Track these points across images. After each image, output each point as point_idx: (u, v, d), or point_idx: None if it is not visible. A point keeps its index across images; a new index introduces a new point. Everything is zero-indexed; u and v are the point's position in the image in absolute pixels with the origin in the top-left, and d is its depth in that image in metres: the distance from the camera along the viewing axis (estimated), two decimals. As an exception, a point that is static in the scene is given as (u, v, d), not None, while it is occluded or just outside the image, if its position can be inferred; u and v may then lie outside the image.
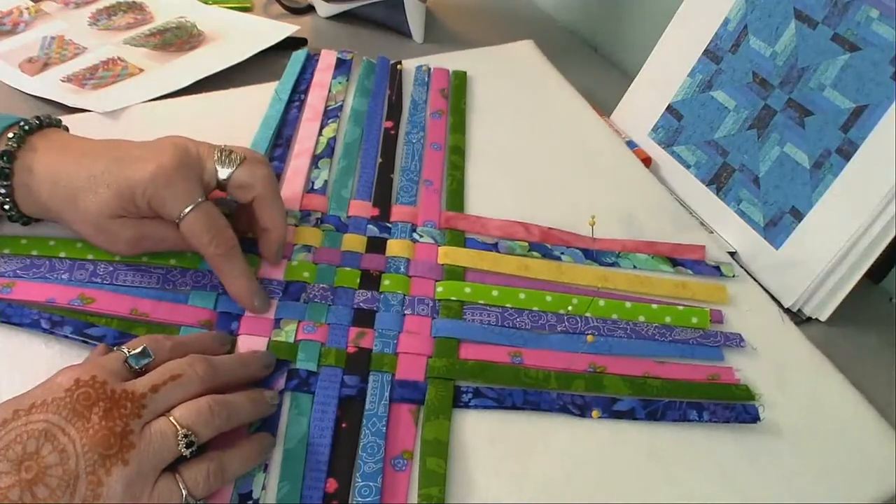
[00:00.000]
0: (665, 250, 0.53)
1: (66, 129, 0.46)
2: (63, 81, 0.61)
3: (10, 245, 0.44)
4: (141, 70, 0.64)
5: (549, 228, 0.52)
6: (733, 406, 0.43)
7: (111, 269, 0.44)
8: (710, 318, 0.48)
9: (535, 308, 0.47)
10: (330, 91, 0.61)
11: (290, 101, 0.60)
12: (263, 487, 0.36)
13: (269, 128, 0.56)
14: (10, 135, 0.41)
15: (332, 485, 0.37)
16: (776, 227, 0.54)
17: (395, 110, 0.61)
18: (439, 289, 0.47)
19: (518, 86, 0.67)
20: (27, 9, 0.70)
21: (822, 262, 0.51)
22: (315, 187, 0.52)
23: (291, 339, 0.42)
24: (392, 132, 0.59)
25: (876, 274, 0.57)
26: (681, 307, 0.48)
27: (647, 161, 0.62)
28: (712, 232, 0.57)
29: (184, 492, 0.32)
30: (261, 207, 0.44)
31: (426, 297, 0.46)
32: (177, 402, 0.34)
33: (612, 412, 0.42)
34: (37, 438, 0.30)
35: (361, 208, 0.51)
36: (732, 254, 0.56)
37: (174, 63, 0.66)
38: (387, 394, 0.41)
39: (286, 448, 0.38)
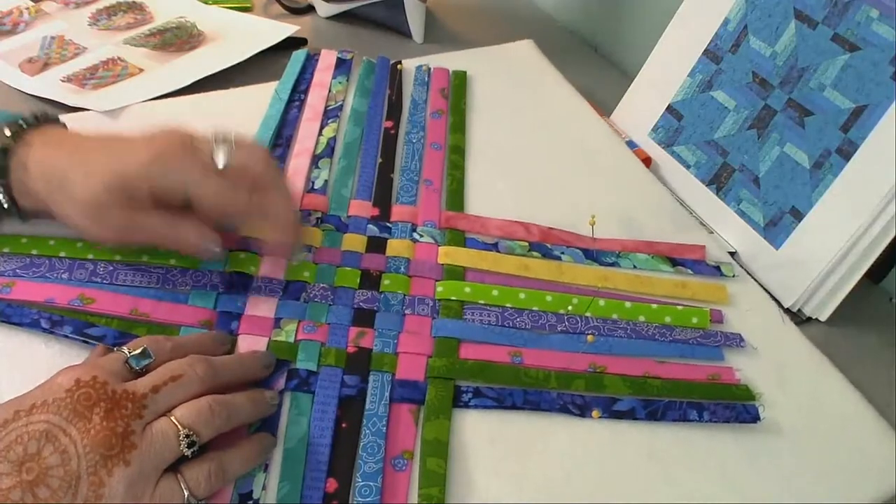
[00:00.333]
0: (665, 250, 0.53)
1: (65, 126, 0.46)
2: (63, 81, 0.61)
3: (10, 244, 0.44)
4: (141, 70, 0.64)
5: (549, 228, 0.52)
6: (733, 406, 0.43)
7: (111, 268, 0.44)
8: (710, 317, 0.48)
9: (535, 308, 0.47)
10: (330, 91, 0.61)
11: (290, 101, 0.59)
12: (264, 487, 0.36)
13: (269, 128, 0.56)
14: (8, 132, 0.41)
15: (332, 485, 0.37)
16: (776, 227, 0.54)
17: (395, 110, 0.61)
18: (439, 288, 0.47)
19: (518, 85, 0.66)
20: (27, 9, 0.70)
21: (822, 262, 0.51)
22: (315, 187, 0.52)
23: (291, 339, 0.42)
24: (392, 132, 0.59)
25: (876, 274, 0.57)
26: (681, 307, 0.48)
27: (647, 161, 0.62)
28: (712, 232, 0.57)
29: (185, 492, 0.32)
30: (263, 190, 0.42)
31: (426, 297, 0.46)
32: (177, 403, 0.34)
33: (612, 412, 0.42)
34: (38, 439, 0.30)
35: (361, 208, 0.51)
36: (732, 254, 0.56)
37: (174, 63, 0.66)
38: (387, 393, 0.41)
39: (286, 448, 0.38)
